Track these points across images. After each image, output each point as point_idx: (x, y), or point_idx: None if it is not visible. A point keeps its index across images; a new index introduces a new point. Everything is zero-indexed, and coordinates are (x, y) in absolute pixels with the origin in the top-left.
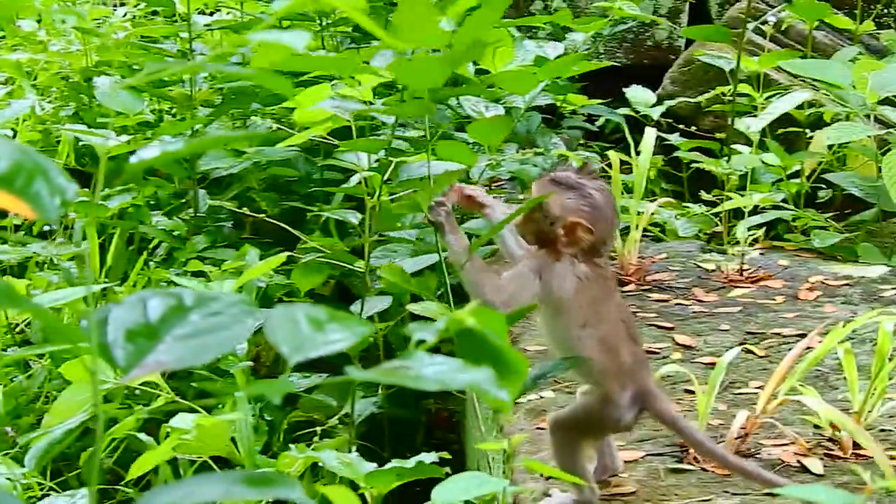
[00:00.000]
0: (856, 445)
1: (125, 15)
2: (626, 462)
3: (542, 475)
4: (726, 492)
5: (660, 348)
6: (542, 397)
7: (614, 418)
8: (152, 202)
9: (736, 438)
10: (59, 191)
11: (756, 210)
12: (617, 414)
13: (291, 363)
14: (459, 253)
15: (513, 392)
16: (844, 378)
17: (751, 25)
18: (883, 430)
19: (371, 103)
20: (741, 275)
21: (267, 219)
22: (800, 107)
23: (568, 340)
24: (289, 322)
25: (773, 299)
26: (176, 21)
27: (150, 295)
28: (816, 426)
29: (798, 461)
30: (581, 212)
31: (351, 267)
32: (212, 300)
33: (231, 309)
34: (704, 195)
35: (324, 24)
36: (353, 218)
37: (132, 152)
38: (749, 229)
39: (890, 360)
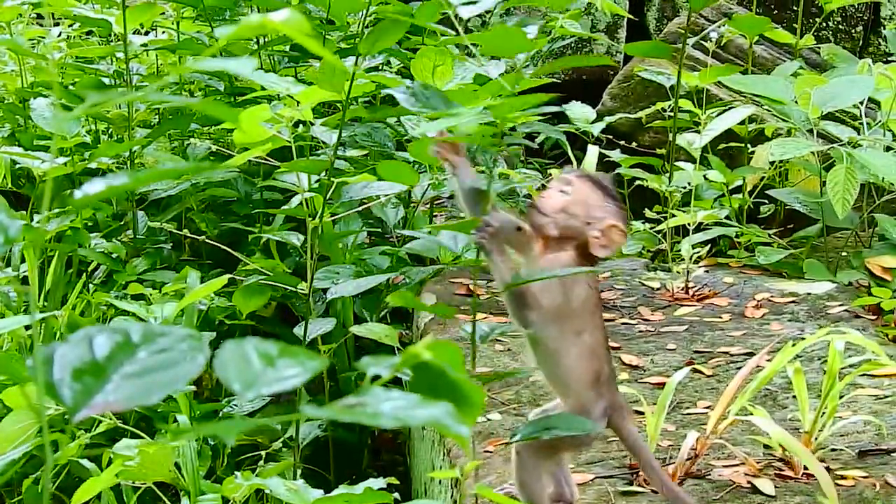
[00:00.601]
0: (807, 465)
1: (60, 35)
2: (577, 485)
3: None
4: None
5: None
6: (488, 420)
7: (585, 437)
8: (90, 224)
9: (686, 460)
10: (3, 229)
11: (700, 227)
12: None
13: (244, 400)
14: (506, 274)
15: (470, 424)
16: (794, 397)
17: (691, 41)
18: (834, 450)
19: (312, 123)
20: (687, 293)
21: (207, 240)
22: (742, 122)
23: (559, 345)
24: (239, 358)
25: (720, 317)
26: (112, 41)
27: (96, 331)
28: (767, 446)
29: (749, 482)
30: (620, 216)
31: (293, 289)
32: (160, 335)
33: (180, 345)
34: (647, 212)
35: (261, 43)
36: (295, 239)
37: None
38: (693, 246)
39: (840, 378)
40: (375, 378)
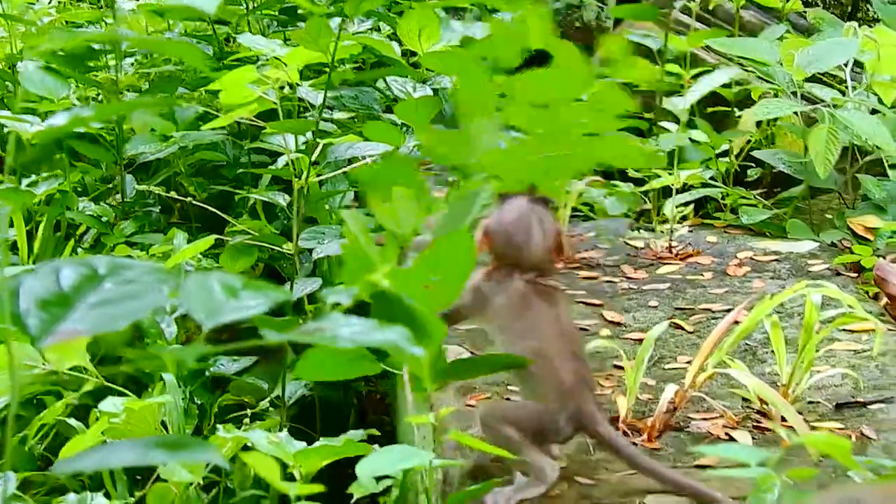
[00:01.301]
0: (784, 418)
1: (51, 2)
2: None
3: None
4: None
5: (588, 325)
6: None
7: (552, 431)
8: (79, 188)
9: (665, 413)
10: None
11: (684, 188)
12: (554, 428)
13: (206, 328)
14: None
15: (429, 351)
16: (772, 351)
17: (678, 4)
18: (811, 402)
19: (298, 84)
20: (670, 252)
21: (195, 203)
22: (728, 85)
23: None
24: (203, 289)
25: (702, 275)
26: (101, 6)
27: (62, 264)
28: (745, 399)
29: (727, 434)
30: (486, 221)
31: (280, 249)
32: (125, 268)
33: (146, 277)
34: (633, 174)
35: (250, 7)
36: (282, 200)
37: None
38: (677, 207)
39: (817, 332)
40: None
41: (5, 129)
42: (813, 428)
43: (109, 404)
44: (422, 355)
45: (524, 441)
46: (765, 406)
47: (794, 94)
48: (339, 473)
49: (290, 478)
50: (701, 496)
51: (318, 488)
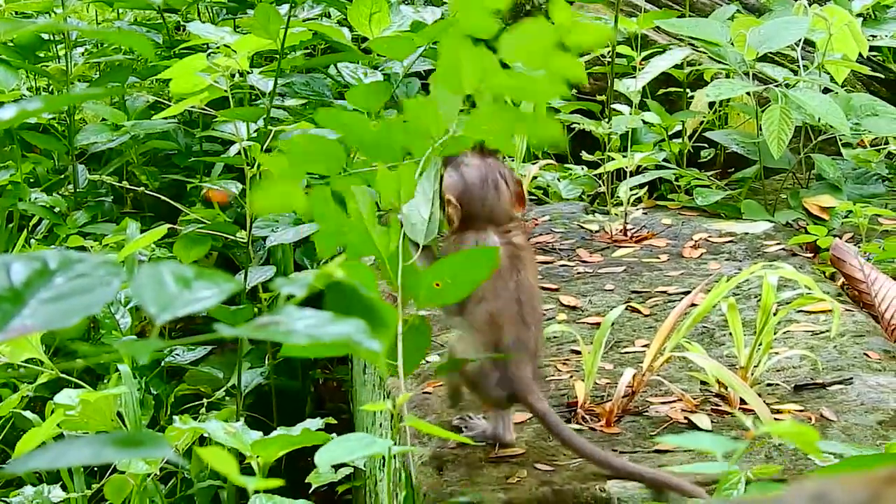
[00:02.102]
0: (743, 401)
1: None
2: (514, 423)
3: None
4: (615, 450)
5: (545, 310)
6: (427, 362)
7: (484, 390)
8: (31, 179)
9: (623, 397)
10: None
11: (638, 170)
12: (486, 387)
13: (159, 322)
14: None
15: (385, 342)
16: (730, 334)
17: None
18: (770, 385)
19: (248, 72)
20: (625, 235)
21: (148, 192)
22: (680, 66)
23: (462, 313)
24: (155, 281)
25: (658, 258)
26: None
27: (12, 259)
28: (703, 382)
29: (686, 418)
30: (450, 188)
31: (233, 238)
32: (77, 262)
33: (97, 270)
34: (586, 156)
35: None
36: (234, 188)
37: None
38: (632, 189)
39: (774, 314)
40: (290, 298)
41: None
42: (773, 411)
43: (65, 396)
44: (378, 349)
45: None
46: (723, 389)
47: (746, 74)
48: (297, 463)
49: (247, 468)
50: (633, 475)
51: (276, 483)
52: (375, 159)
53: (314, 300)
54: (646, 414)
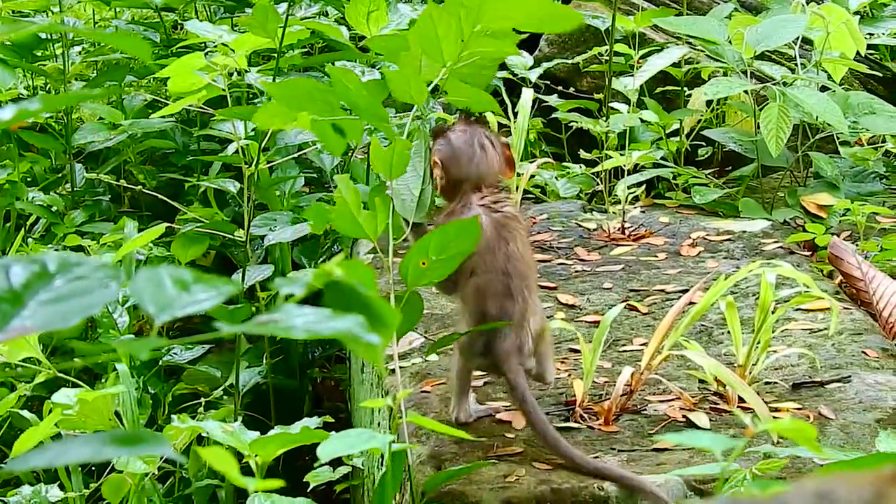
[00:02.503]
0: (741, 399)
1: None
2: (511, 423)
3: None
4: (613, 448)
5: (543, 308)
6: (425, 360)
7: (469, 356)
8: (28, 178)
9: (622, 396)
10: None
11: (636, 168)
12: (471, 353)
13: (158, 323)
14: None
15: (384, 339)
16: (728, 332)
17: None
18: (768, 383)
19: (246, 71)
20: (623, 233)
21: (145, 191)
22: (677, 65)
23: (457, 290)
24: (154, 283)
25: (656, 256)
26: None
27: (12, 261)
28: (701, 381)
29: (684, 416)
30: (436, 153)
31: (231, 236)
32: (75, 265)
33: (95, 273)
34: (584, 155)
35: None
36: (232, 186)
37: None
38: (629, 188)
39: (772, 312)
40: (289, 297)
41: None
42: (771, 409)
43: (62, 396)
44: (377, 343)
45: (459, 369)
46: (722, 387)
47: (744, 72)
48: (294, 462)
49: (245, 468)
50: (600, 474)
51: (276, 483)
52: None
53: (312, 300)
54: (644, 412)
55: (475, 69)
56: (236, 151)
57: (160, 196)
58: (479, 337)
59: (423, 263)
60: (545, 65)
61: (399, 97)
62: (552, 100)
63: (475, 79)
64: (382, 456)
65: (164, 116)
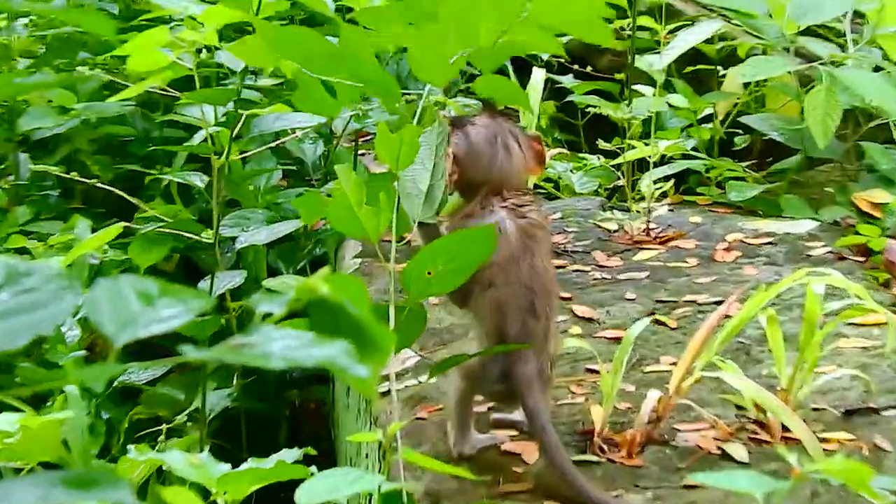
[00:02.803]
0: (785, 428)
1: None
2: (520, 455)
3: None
4: (637, 485)
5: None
6: (420, 382)
7: (480, 382)
8: None
9: (647, 424)
10: None
11: (663, 160)
12: (483, 379)
13: (118, 344)
14: None
15: (376, 368)
16: (769, 350)
17: None
18: (816, 409)
19: (217, 47)
20: (648, 235)
21: (100, 185)
22: (710, 41)
23: (470, 299)
24: (114, 297)
25: (685, 262)
26: None
27: None
28: (739, 406)
29: (719, 447)
30: (453, 147)
31: (198, 238)
32: (24, 275)
33: (48, 285)
34: (603, 145)
35: None
36: (199, 181)
37: None
38: (656, 182)
39: (820, 327)
40: (267, 316)
41: None
42: (819, 439)
43: (3, 422)
44: (367, 375)
45: (461, 396)
46: (762, 414)
47: (787, 50)
48: (271, 499)
49: None
50: None
51: None
52: (376, 95)
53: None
54: (673, 443)
55: (493, 55)
56: (204, 140)
57: (116, 191)
58: (494, 360)
59: (429, 273)
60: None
61: (418, 74)
62: (567, 80)
63: (490, 62)
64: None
65: (122, 100)
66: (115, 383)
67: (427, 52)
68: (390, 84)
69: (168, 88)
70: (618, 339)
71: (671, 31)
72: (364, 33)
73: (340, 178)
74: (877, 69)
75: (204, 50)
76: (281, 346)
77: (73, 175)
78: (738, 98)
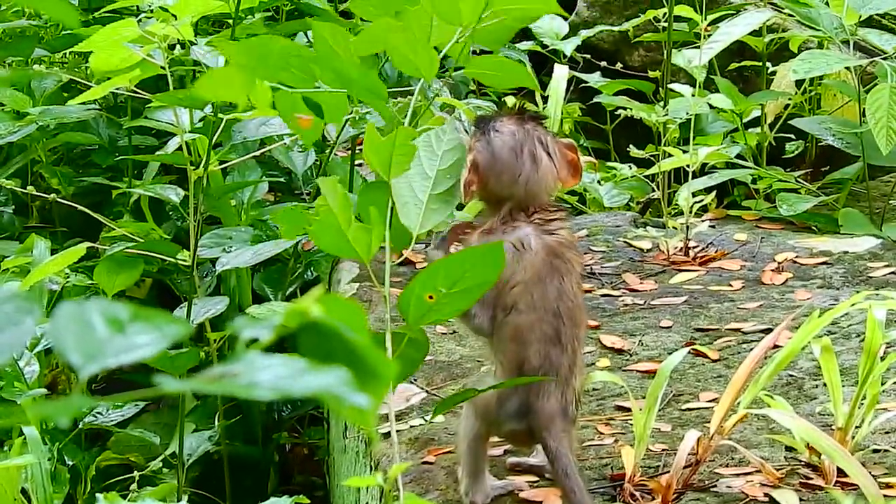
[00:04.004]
0: (841, 472)
1: None
2: (542, 503)
3: None
4: None
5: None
6: (427, 421)
7: (496, 420)
8: None
9: (685, 468)
10: None
11: (704, 170)
12: (498, 417)
13: (84, 375)
14: None
15: (376, 398)
16: (824, 384)
17: None
18: (877, 451)
19: (192, 42)
20: (686, 255)
21: (60, 200)
22: (757, 33)
23: (487, 323)
24: (79, 323)
25: (730, 285)
26: None
27: None
28: (789, 448)
29: (766, 495)
30: (475, 154)
31: (173, 259)
32: None
33: (3, 307)
34: (635, 152)
35: None
36: (174, 195)
37: None
38: (695, 195)
39: (882, 358)
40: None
41: None
42: (881, 485)
43: None
44: (366, 405)
45: (474, 437)
46: (815, 456)
47: (846, 43)
48: None
49: None
50: None
51: None
52: (360, 97)
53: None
54: (714, 489)
55: (493, 33)
56: (179, 148)
57: (79, 206)
58: (512, 394)
59: (431, 297)
60: (584, 33)
61: (401, 68)
62: (593, 79)
63: (492, 42)
64: None
65: (84, 102)
66: (81, 424)
67: (409, 41)
68: (375, 83)
69: (137, 90)
70: (652, 373)
71: (712, 23)
72: (341, 29)
73: (325, 191)
74: None
75: (177, 46)
76: (269, 376)
77: (30, 189)
78: (789, 98)
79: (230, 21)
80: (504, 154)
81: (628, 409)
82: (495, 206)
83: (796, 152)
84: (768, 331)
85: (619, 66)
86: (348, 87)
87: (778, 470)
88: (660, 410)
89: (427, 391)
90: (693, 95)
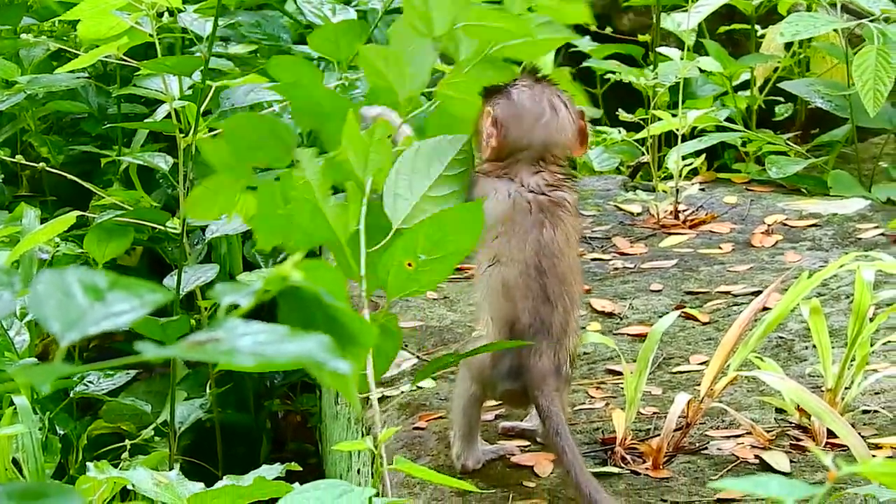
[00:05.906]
0: (831, 433)
1: None
2: (532, 467)
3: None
4: (664, 499)
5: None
6: (419, 387)
7: (489, 380)
8: None
9: (676, 430)
10: None
11: (693, 133)
12: (492, 376)
13: (64, 343)
14: None
15: (357, 363)
16: (814, 346)
17: None
18: (866, 412)
19: (180, 10)
20: (676, 218)
21: (49, 169)
22: None
23: (476, 273)
24: (59, 291)
25: (719, 248)
26: None
27: None
28: (779, 410)
29: (757, 456)
30: (496, 110)
31: (163, 227)
32: None
33: None
34: (625, 116)
35: None
36: (163, 163)
37: None
38: (684, 158)
39: (871, 319)
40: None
41: None
42: (870, 445)
43: None
44: (347, 370)
45: (469, 401)
46: (805, 418)
47: (833, 5)
48: None
49: None
50: None
51: None
52: (330, 132)
53: (269, 309)
54: (705, 452)
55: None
56: (168, 116)
57: (69, 175)
58: (505, 353)
59: (409, 265)
60: None
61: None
62: (583, 44)
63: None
64: None
65: (73, 71)
66: (72, 394)
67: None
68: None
69: (125, 58)
70: (642, 336)
71: None
72: (310, 66)
73: (303, 165)
74: None
75: (166, 13)
76: (250, 342)
77: (19, 158)
78: (778, 61)
79: None
80: (525, 101)
81: (619, 373)
82: (505, 160)
83: (786, 115)
84: (758, 293)
85: (608, 30)
86: (323, 122)
87: (768, 432)
88: (650, 374)
89: (418, 357)
90: (682, 59)
